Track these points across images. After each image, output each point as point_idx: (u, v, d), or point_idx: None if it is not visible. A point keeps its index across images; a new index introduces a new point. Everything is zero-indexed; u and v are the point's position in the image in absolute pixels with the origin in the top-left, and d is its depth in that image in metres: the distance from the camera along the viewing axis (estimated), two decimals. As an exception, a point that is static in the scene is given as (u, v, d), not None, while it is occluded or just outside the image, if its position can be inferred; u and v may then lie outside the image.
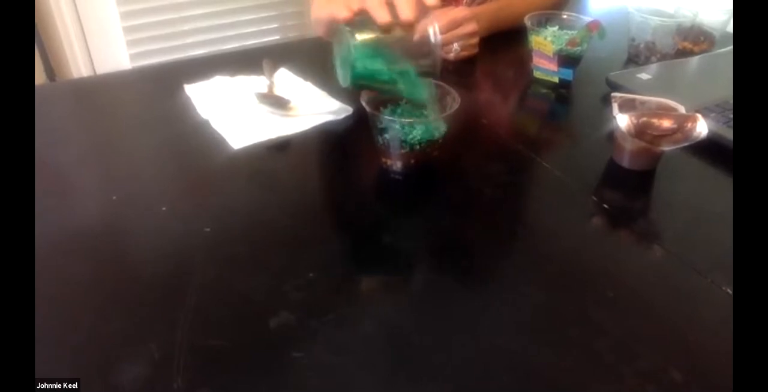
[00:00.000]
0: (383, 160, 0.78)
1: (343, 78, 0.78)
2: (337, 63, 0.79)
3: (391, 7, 0.70)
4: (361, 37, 0.73)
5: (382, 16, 0.70)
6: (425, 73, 0.75)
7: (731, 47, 1.05)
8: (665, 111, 0.79)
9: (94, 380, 0.50)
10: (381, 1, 0.71)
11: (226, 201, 0.74)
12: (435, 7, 0.72)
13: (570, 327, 0.57)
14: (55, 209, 0.70)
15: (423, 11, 0.71)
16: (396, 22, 0.71)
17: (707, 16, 1.12)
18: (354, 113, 0.89)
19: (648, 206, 0.78)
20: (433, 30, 0.74)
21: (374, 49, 0.73)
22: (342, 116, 0.90)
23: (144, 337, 0.54)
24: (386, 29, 0.72)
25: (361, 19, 0.73)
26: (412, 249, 0.68)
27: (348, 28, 0.73)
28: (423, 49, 0.74)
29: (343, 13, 0.73)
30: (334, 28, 0.78)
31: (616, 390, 0.52)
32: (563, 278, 0.64)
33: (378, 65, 0.73)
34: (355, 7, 0.73)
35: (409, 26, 0.72)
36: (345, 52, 0.74)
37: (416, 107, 0.77)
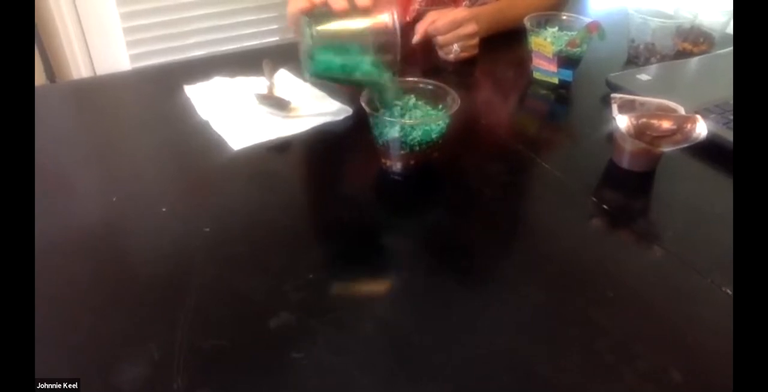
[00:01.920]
0: (383, 160, 0.78)
1: (305, 70, 0.78)
2: (301, 55, 0.79)
3: None
4: (320, 27, 0.73)
5: (338, 3, 0.71)
6: (386, 63, 0.75)
7: (731, 48, 1.05)
8: (665, 112, 0.80)
9: (94, 380, 0.50)
10: None
11: (226, 201, 0.74)
12: None
13: (570, 327, 0.57)
14: (55, 209, 0.70)
15: (383, 1, 0.72)
16: (355, 11, 0.71)
17: (707, 17, 1.12)
18: (354, 114, 0.89)
19: (648, 207, 0.78)
20: (392, 18, 0.74)
21: (332, 39, 0.73)
22: (342, 117, 0.90)
23: (144, 337, 0.54)
24: (345, 18, 0.72)
25: (323, 12, 0.73)
26: (412, 249, 0.68)
27: (307, 19, 0.74)
28: (383, 38, 0.74)
29: (302, 3, 0.74)
30: (299, 23, 0.78)
31: (616, 390, 0.52)
32: (563, 278, 0.64)
33: (336, 56, 0.73)
34: None
35: (367, 12, 0.72)
36: (305, 43, 0.74)
37: (383, 96, 0.77)
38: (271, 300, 0.59)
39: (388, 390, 0.51)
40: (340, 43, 0.73)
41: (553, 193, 0.78)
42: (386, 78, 0.74)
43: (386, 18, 0.73)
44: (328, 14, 0.73)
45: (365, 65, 0.73)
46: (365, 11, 0.72)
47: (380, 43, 0.73)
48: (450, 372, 0.52)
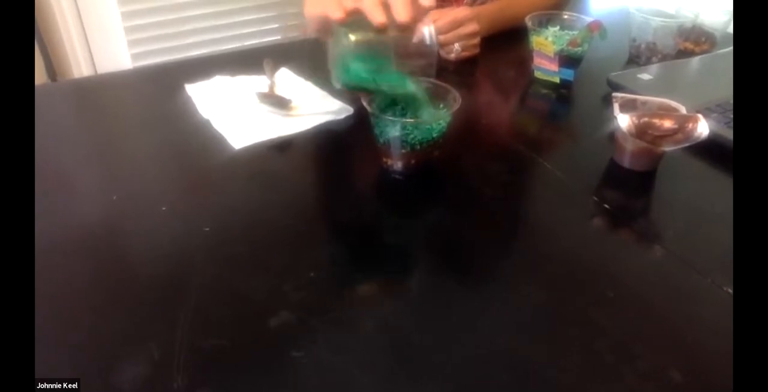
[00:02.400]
0: (384, 159, 0.78)
1: (336, 79, 0.77)
2: (331, 64, 0.78)
3: (387, 7, 0.69)
4: (356, 38, 0.72)
5: (378, 17, 0.69)
6: (422, 75, 0.74)
7: (732, 48, 1.05)
8: (666, 111, 0.79)
9: (94, 380, 0.50)
10: (377, 1, 0.69)
11: (227, 200, 0.74)
12: (431, 8, 0.71)
13: (570, 327, 0.57)
14: (55, 209, 0.70)
15: (419, 12, 0.71)
16: (391, 23, 0.71)
17: (708, 16, 1.12)
18: (355, 113, 0.89)
19: (648, 206, 0.78)
20: (429, 31, 0.73)
21: (369, 50, 0.73)
22: (343, 116, 0.90)
23: (144, 337, 0.54)
24: (381, 30, 0.71)
25: (356, 20, 0.71)
26: (412, 249, 0.68)
27: (343, 29, 0.72)
28: (419, 50, 0.74)
29: (336, 14, 0.72)
30: (326, 27, 0.76)
31: (616, 390, 0.52)
32: (563, 278, 0.63)
33: (372, 67, 0.72)
34: (349, 6, 0.71)
35: (405, 27, 0.71)
36: (339, 53, 0.74)
37: (413, 106, 0.77)
38: (272, 300, 0.59)
39: (388, 389, 0.51)
40: (375, 55, 0.72)
41: (553, 193, 0.77)
42: (419, 90, 0.74)
43: (423, 32, 0.73)
44: (363, 24, 0.71)
45: (399, 77, 0.73)
46: (403, 25, 0.70)
47: (416, 56, 0.73)
48: (450, 372, 0.52)
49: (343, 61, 0.73)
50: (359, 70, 0.73)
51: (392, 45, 0.73)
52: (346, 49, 0.72)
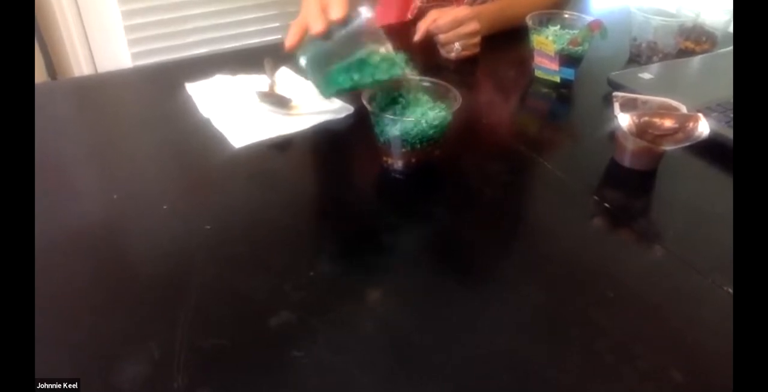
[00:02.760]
0: (384, 159, 0.78)
1: (321, 93, 0.80)
2: (313, 83, 0.80)
3: (326, 14, 0.71)
4: (307, 54, 0.75)
5: (315, 26, 0.71)
6: (390, 54, 0.75)
7: (733, 47, 1.05)
8: (667, 110, 0.79)
9: (94, 380, 0.50)
10: (317, 11, 0.71)
11: (227, 200, 0.74)
12: None
13: (570, 327, 0.57)
14: (55, 208, 0.70)
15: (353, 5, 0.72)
16: (335, 25, 0.72)
17: (709, 15, 1.12)
18: (355, 112, 0.89)
19: (649, 206, 0.78)
20: (365, 15, 0.74)
21: (324, 59, 0.75)
22: (343, 115, 0.90)
23: (144, 336, 0.54)
24: (329, 35, 0.73)
25: (310, 37, 0.74)
26: (412, 248, 0.68)
27: (299, 54, 0.76)
28: (372, 34, 0.74)
29: (287, 43, 0.75)
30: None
31: (616, 390, 0.52)
32: (563, 278, 0.63)
33: (344, 74, 0.74)
34: (299, 30, 0.74)
35: (347, 20, 0.72)
36: (308, 74, 0.77)
37: (411, 103, 0.77)
38: (272, 299, 0.59)
39: (388, 389, 0.51)
40: (339, 62, 0.74)
41: (554, 193, 0.77)
42: (391, 66, 0.74)
43: (364, 14, 0.73)
44: (313, 39, 0.73)
45: (373, 69, 0.73)
46: (343, 20, 0.72)
47: (372, 40, 0.73)
48: (450, 372, 0.52)
49: (315, 83, 0.76)
50: (334, 82, 0.75)
51: (349, 47, 0.74)
52: (310, 71, 0.75)
